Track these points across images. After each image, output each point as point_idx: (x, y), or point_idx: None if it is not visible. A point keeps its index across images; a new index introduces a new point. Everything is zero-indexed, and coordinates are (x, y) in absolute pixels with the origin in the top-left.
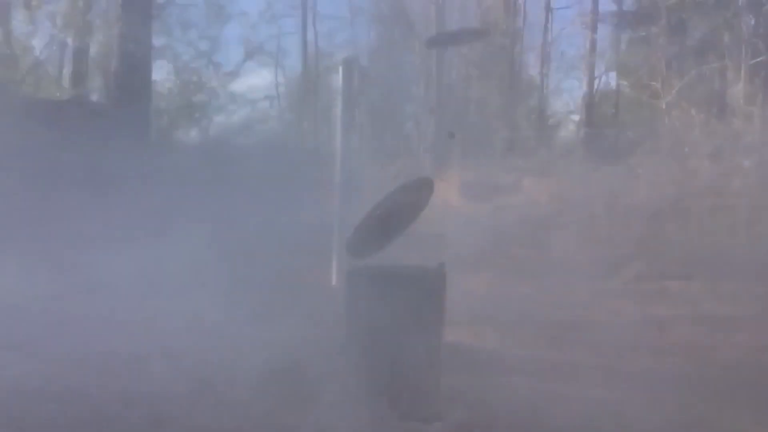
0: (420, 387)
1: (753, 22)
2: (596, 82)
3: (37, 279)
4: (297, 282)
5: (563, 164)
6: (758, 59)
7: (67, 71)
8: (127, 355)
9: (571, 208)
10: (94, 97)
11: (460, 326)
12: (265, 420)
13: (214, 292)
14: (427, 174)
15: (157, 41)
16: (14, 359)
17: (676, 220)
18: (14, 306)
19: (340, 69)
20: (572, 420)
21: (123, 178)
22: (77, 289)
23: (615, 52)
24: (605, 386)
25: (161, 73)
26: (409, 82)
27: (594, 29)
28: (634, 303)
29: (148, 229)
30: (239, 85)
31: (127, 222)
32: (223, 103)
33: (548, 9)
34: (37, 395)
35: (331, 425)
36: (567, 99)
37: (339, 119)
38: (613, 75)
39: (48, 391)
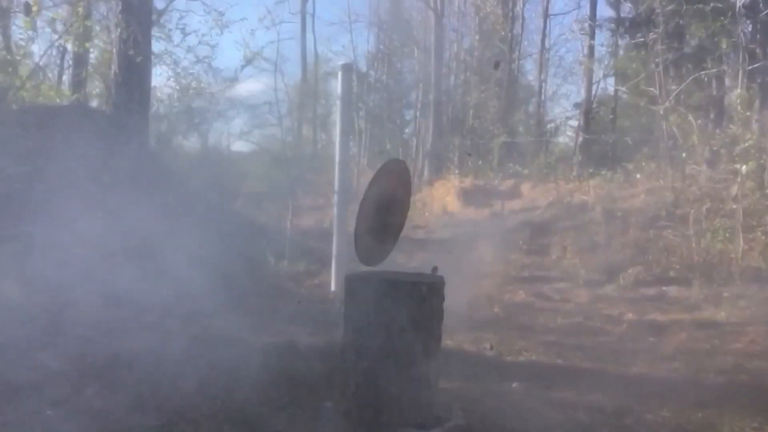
0: (418, 392)
1: (750, 28)
2: (594, 87)
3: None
4: (296, 287)
5: (561, 169)
6: (756, 65)
7: (66, 77)
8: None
9: (570, 214)
10: (94, 103)
11: (459, 331)
12: (263, 422)
13: (212, 295)
14: (426, 178)
15: (157, 47)
16: None
17: (674, 225)
18: None
19: (339, 74)
20: (571, 424)
21: (122, 182)
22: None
23: (613, 58)
24: (603, 390)
25: (161, 79)
26: (408, 87)
27: (592, 35)
28: (633, 308)
29: (147, 235)
30: (238, 91)
31: (126, 227)
32: (223, 108)
33: (546, 15)
34: None
35: (330, 430)
36: (565, 105)
37: (338, 124)
38: (611, 81)
39: None
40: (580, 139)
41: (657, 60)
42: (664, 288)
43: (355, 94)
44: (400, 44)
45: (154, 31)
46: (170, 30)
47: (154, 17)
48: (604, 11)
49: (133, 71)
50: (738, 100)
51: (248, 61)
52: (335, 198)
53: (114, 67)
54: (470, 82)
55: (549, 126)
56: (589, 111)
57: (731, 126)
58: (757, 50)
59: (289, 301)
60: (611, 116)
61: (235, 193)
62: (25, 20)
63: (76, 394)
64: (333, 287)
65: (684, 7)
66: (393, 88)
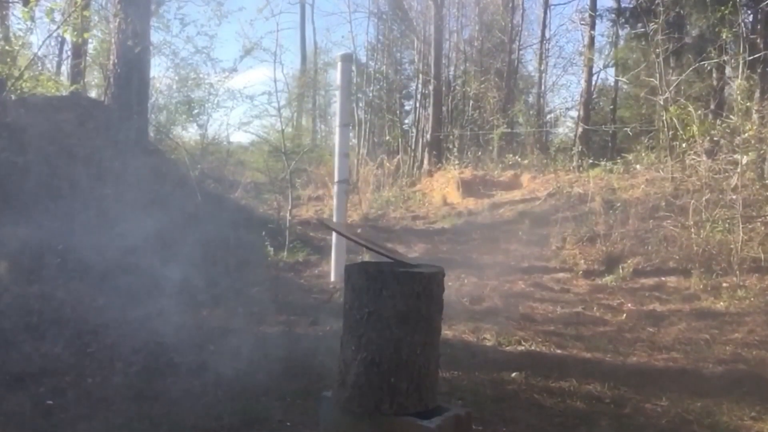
0: (417, 382)
1: (751, 18)
2: (594, 78)
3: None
4: (296, 277)
5: (561, 160)
6: (756, 55)
7: (65, 67)
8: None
9: (569, 204)
10: (93, 94)
11: (459, 321)
12: (263, 411)
13: (211, 285)
14: (426, 169)
15: (156, 37)
16: None
17: (674, 215)
18: None
19: (338, 65)
20: (569, 414)
21: (120, 173)
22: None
23: (613, 49)
24: (602, 380)
25: (160, 69)
26: (408, 78)
27: (592, 25)
28: (632, 298)
29: (145, 226)
30: (237, 82)
31: (124, 218)
32: (222, 99)
33: (546, 5)
34: None
35: (329, 420)
36: (565, 95)
37: (337, 115)
38: (611, 71)
39: None
40: (580, 129)
41: (657, 50)
42: (663, 278)
43: (354, 84)
44: (399, 35)
45: (153, 22)
46: (169, 20)
47: (152, 7)
48: (605, 1)
49: (131, 62)
50: (738, 91)
51: (247, 52)
52: (335, 188)
53: (113, 58)
54: (470, 72)
55: (549, 117)
56: (589, 102)
57: (731, 116)
58: (758, 40)
59: (288, 292)
60: (611, 107)
61: (234, 184)
62: (23, 10)
63: (75, 385)
64: (332, 277)
65: None
66: (393, 79)
